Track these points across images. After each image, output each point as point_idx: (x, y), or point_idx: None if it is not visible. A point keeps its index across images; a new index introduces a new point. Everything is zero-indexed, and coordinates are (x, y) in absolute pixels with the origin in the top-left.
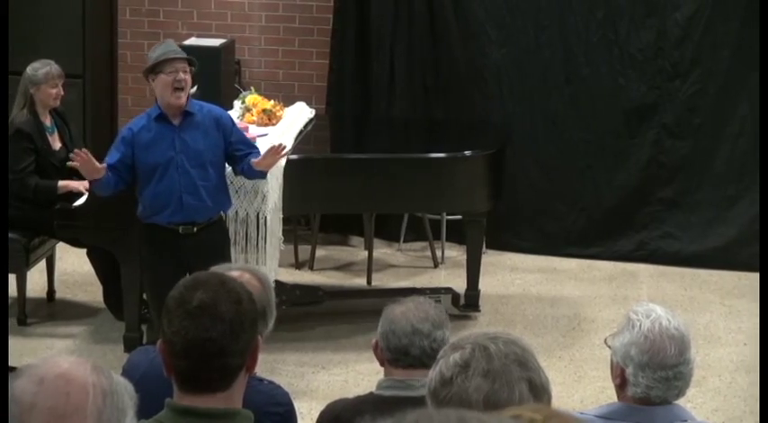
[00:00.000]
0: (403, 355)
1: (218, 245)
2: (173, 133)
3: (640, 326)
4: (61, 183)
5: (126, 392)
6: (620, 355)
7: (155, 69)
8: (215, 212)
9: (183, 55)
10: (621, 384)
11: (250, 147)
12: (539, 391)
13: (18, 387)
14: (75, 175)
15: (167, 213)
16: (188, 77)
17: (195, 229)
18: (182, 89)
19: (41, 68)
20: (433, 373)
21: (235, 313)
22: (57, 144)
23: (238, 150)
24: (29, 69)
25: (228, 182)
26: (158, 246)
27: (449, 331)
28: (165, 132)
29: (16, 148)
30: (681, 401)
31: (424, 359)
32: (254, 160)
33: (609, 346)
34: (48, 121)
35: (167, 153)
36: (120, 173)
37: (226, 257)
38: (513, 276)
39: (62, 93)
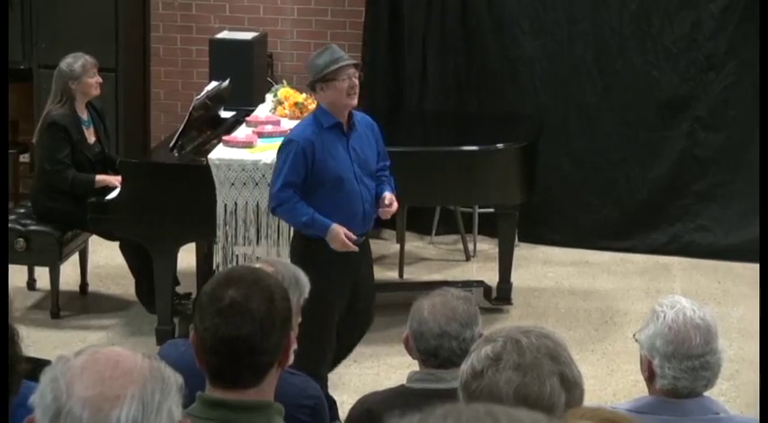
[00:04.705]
0: (432, 356)
1: (368, 249)
2: (346, 143)
3: (665, 317)
4: (99, 177)
5: (173, 376)
6: (647, 347)
7: (326, 77)
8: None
9: (353, 61)
10: (650, 377)
11: (386, 159)
12: (570, 385)
13: (74, 358)
14: (110, 168)
15: (353, 228)
16: (357, 83)
17: (364, 238)
18: (356, 94)
19: (76, 62)
20: (465, 366)
21: (266, 312)
22: (92, 138)
23: (378, 161)
24: (63, 65)
25: (261, 175)
26: (327, 262)
27: (479, 326)
28: (340, 143)
29: (53, 139)
30: (714, 395)
31: (453, 359)
32: (382, 209)
33: (637, 341)
34: (85, 115)
35: (347, 163)
36: (300, 190)
37: (371, 256)
38: (545, 269)
39: (101, 80)
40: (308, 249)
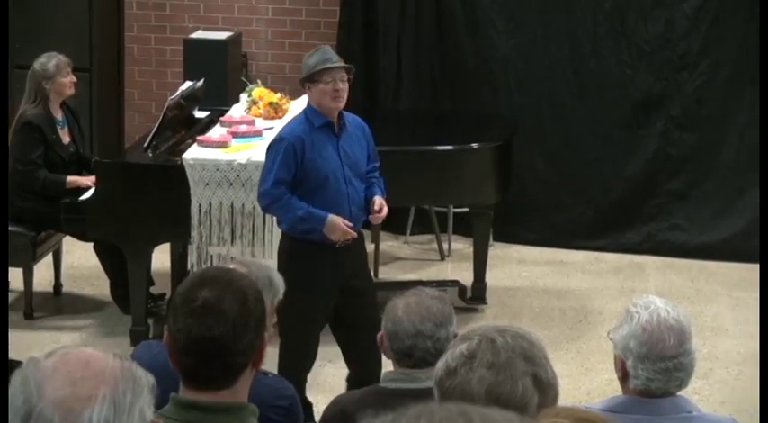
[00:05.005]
0: (407, 356)
1: (362, 251)
2: (336, 143)
3: (639, 318)
4: (70, 178)
5: (145, 376)
6: (621, 347)
7: (313, 78)
8: (363, 223)
9: (341, 63)
10: (624, 377)
11: (376, 159)
12: (544, 386)
13: (44, 359)
14: (85, 168)
15: None
16: (346, 86)
17: (351, 241)
18: (341, 97)
19: (50, 62)
20: (440, 363)
21: (239, 312)
22: (66, 138)
23: (368, 162)
24: (36, 65)
25: (236, 175)
26: (312, 263)
27: (454, 326)
28: (329, 142)
29: (25, 139)
30: (687, 393)
31: (428, 358)
32: (372, 215)
33: (611, 340)
34: (59, 115)
35: (336, 163)
36: (290, 188)
37: (366, 260)
38: (519, 269)
39: (75, 80)
40: (294, 250)
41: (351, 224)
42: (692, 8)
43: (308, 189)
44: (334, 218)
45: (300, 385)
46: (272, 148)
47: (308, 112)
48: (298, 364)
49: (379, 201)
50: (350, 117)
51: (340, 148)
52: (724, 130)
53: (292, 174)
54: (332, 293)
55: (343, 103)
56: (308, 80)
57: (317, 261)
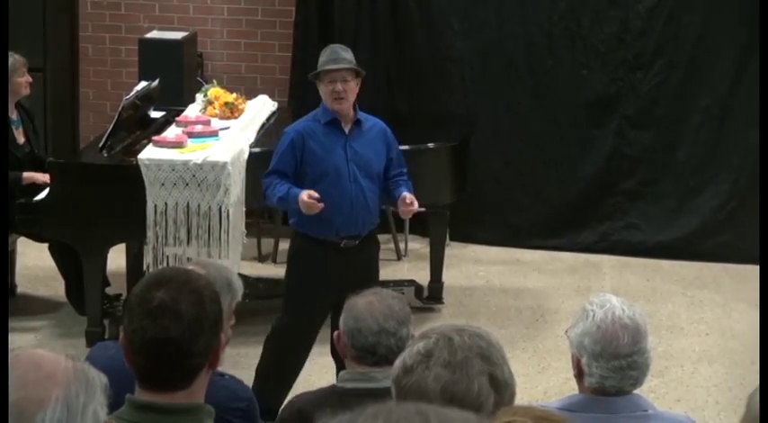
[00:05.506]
0: (370, 354)
1: (374, 259)
2: (343, 141)
3: (594, 316)
4: (26, 174)
5: (98, 377)
6: (576, 345)
7: (318, 76)
8: (375, 225)
9: (344, 65)
10: (579, 375)
11: (402, 166)
12: (500, 386)
13: None
14: (39, 168)
15: (335, 225)
16: (349, 87)
17: (357, 242)
18: (342, 98)
19: None
20: (398, 361)
21: (195, 314)
22: (21, 138)
23: (393, 168)
24: None
25: (191, 175)
26: (311, 259)
27: (412, 325)
28: (335, 139)
29: None
30: (643, 391)
31: (390, 356)
32: (403, 208)
33: (568, 337)
34: (14, 115)
35: (339, 161)
36: (291, 179)
37: (377, 272)
38: (476, 268)
39: (31, 79)
40: (297, 247)
41: (317, 196)
42: (646, 8)
43: (309, 181)
44: (301, 194)
45: (286, 388)
46: (279, 141)
47: (321, 107)
48: (290, 361)
49: (409, 196)
50: (371, 120)
51: (348, 146)
52: (678, 129)
53: (291, 165)
54: (329, 292)
55: (345, 104)
56: (315, 78)
57: (319, 259)
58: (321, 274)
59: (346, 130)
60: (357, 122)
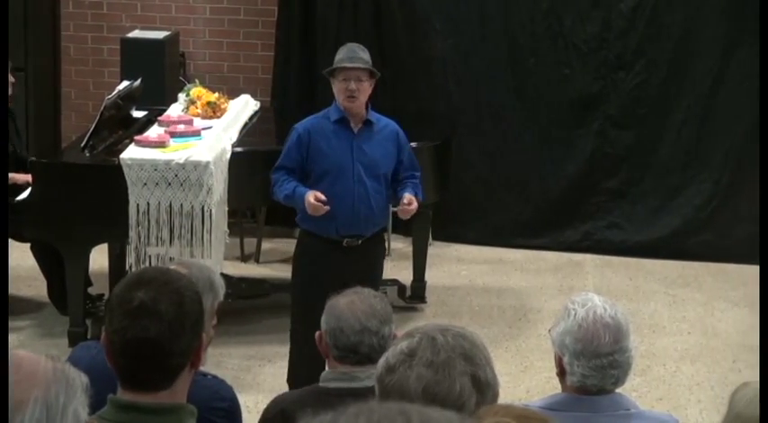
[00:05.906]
0: (352, 353)
1: (378, 259)
2: (350, 140)
3: (575, 314)
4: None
5: (78, 377)
6: (558, 343)
7: (332, 73)
8: (380, 226)
9: (360, 64)
10: (561, 373)
11: (414, 169)
12: (482, 387)
13: None
14: (22, 168)
15: (337, 223)
16: (362, 86)
17: (360, 241)
18: (354, 97)
19: None
20: (382, 360)
21: (175, 314)
22: None
23: (404, 170)
24: None
25: (174, 175)
26: (314, 257)
27: (394, 324)
28: (342, 138)
29: None
30: (625, 390)
31: (372, 355)
32: (401, 207)
33: (551, 336)
34: None
35: (344, 159)
36: (298, 175)
37: (380, 273)
38: (459, 267)
39: (13, 80)
40: (303, 245)
41: (324, 199)
42: (628, 8)
43: (314, 178)
44: (307, 196)
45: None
46: (287, 137)
47: (332, 105)
48: (305, 357)
49: (408, 196)
50: (384, 121)
51: (355, 145)
52: (661, 128)
53: (297, 161)
54: (334, 291)
55: (357, 103)
56: (330, 74)
57: (322, 257)
58: (325, 273)
59: (355, 129)
60: (367, 123)
